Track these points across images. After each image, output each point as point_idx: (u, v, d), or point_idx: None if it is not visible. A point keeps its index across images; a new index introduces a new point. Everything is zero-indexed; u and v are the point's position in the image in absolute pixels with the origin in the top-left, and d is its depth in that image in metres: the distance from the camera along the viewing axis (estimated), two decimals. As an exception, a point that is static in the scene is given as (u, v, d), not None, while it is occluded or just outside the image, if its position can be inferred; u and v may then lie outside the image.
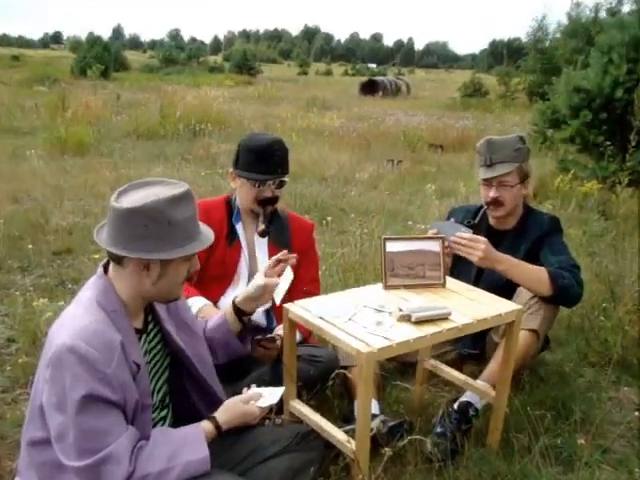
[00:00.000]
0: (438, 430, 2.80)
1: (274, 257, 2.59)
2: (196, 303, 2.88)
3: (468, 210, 3.53)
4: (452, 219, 3.36)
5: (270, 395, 2.25)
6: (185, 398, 2.27)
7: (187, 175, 8.61)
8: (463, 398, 3.01)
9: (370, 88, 29.71)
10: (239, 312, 2.46)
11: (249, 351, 2.56)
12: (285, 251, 2.62)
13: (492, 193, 3.27)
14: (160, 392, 2.19)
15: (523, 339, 3.00)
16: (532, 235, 3.30)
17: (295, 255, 2.61)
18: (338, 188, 8.45)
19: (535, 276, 3.03)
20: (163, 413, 2.21)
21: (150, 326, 2.16)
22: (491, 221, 3.44)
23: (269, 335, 2.81)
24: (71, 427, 1.77)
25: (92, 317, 1.88)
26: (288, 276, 2.51)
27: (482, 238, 2.94)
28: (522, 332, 2.99)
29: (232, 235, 3.11)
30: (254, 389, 2.29)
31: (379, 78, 33.27)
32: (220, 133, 12.77)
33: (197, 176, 8.67)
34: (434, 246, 2.78)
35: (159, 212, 1.89)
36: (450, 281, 2.83)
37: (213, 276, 3.05)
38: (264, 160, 2.96)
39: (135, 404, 1.91)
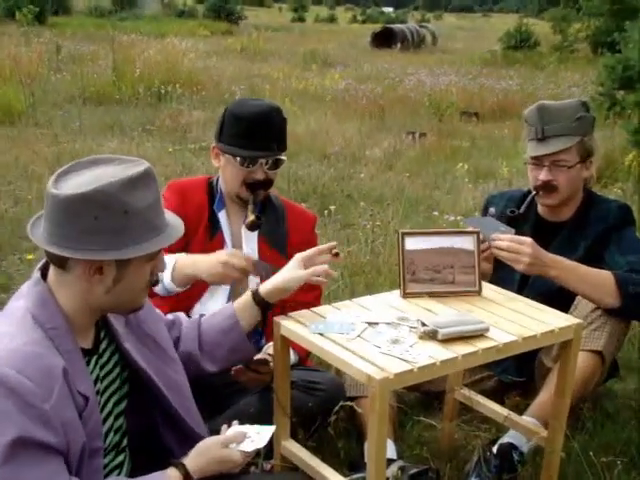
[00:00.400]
0: None
1: (316, 248, 2.60)
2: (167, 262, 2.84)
3: (511, 197, 3.52)
4: (491, 211, 3.35)
5: (257, 436, 2.23)
6: (152, 436, 2.26)
7: (150, 152, 8.63)
8: (505, 439, 3.02)
9: (385, 39, 29.65)
10: (263, 304, 2.48)
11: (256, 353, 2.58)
12: (333, 243, 2.63)
13: (543, 175, 3.25)
14: (116, 431, 2.18)
15: (584, 363, 3.00)
16: (594, 229, 3.29)
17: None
18: (344, 169, 8.47)
19: (597, 282, 3.02)
20: (119, 459, 2.20)
21: (103, 345, 2.14)
22: (541, 210, 3.44)
23: (259, 356, 2.80)
24: None
25: (25, 337, 1.86)
26: (264, 436, 2.29)
27: (527, 239, 2.91)
28: (582, 354, 2.98)
29: (213, 226, 3.11)
30: (236, 427, 2.27)
31: (397, 26, 33.20)
32: (192, 97, 12.77)
33: (163, 153, 8.70)
34: (467, 243, 2.78)
35: (112, 198, 1.87)
36: (487, 287, 2.83)
37: None
38: (256, 132, 2.96)
39: (81, 448, 1.89)
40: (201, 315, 2.63)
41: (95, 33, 23.95)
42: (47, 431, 1.78)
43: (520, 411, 3.05)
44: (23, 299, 1.97)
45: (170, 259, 2.79)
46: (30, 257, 5.09)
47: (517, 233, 3.32)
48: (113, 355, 2.18)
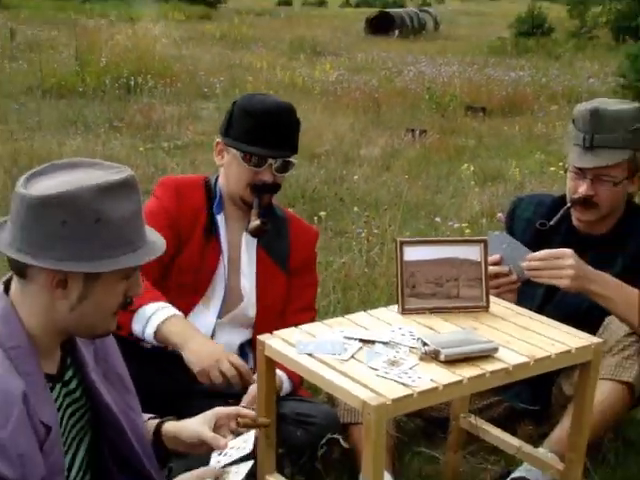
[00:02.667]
0: None
1: (235, 409, 2.49)
2: (156, 315, 2.81)
3: (541, 202, 3.49)
4: (499, 217, 3.35)
5: (234, 474, 2.23)
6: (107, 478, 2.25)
7: (118, 150, 8.64)
8: (517, 473, 3.02)
9: (381, 25, 29.72)
10: (159, 442, 2.38)
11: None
12: (252, 414, 2.47)
13: (584, 189, 3.18)
14: (79, 467, 2.17)
15: (611, 395, 3.01)
16: (634, 245, 3.27)
17: (268, 421, 2.49)
18: (335, 170, 8.48)
19: (633, 302, 2.97)
20: None
21: (69, 372, 2.14)
22: (575, 222, 3.37)
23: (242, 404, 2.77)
24: None
25: None
26: (245, 446, 2.32)
27: (567, 250, 2.88)
28: (611, 384, 3.01)
29: (210, 229, 3.12)
30: (213, 465, 2.25)
31: (394, 11, 33.28)
32: (165, 90, 12.78)
33: (133, 152, 8.69)
34: (472, 253, 2.78)
35: (84, 204, 1.86)
36: (495, 303, 2.84)
37: (178, 285, 3.05)
38: (268, 129, 2.97)
39: None
40: None
41: (55, 16, 23.99)
42: (1, 462, 1.76)
43: (534, 442, 3.05)
44: None
45: (164, 312, 2.80)
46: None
47: (543, 246, 3.30)
48: (80, 385, 2.16)
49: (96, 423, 2.22)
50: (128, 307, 2.12)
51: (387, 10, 33.34)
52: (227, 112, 3.09)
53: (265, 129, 2.96)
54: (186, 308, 3.03)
